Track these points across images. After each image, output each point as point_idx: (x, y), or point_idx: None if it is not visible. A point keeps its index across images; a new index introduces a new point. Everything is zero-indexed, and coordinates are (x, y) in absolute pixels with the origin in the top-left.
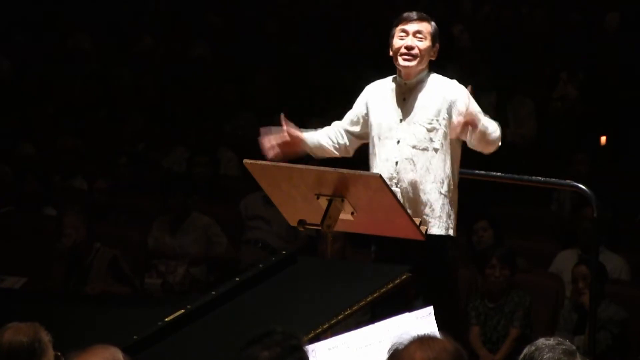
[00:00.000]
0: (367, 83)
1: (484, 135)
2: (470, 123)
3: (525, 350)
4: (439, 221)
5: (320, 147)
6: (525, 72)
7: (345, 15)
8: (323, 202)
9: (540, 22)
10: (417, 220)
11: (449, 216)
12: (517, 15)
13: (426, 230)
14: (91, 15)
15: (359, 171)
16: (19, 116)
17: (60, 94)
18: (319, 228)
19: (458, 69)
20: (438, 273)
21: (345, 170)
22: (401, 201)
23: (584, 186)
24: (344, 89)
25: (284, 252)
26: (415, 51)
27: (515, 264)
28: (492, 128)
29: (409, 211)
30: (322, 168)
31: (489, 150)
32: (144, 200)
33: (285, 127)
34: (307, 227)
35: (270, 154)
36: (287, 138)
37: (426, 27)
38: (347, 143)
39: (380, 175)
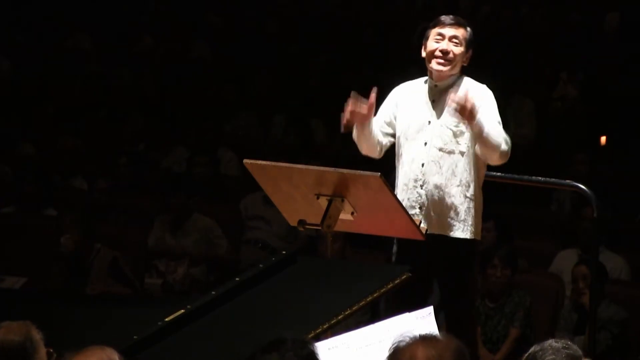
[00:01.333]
0: (367, 83)
1: (480, 135)
2: (464, 108)
3: (531, 349)
4: (463, 224)
5: (373, 138)
6: (525, 72)
7: (345, 15)
8: (323, 202)
9: (540, 22)
10: (417, 221)
11: (474, 220)
12: (517, 15)
13: (426, 231)
14: (91, 15)
15: (359, 171)
16: (19, 116)
17: (60, 94)
18: (319, 228)
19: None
20: (459, 276)
21: (345, 170)
22: (426, 203)
23: (584, 186)
24: (344, 89)
25: (284, 252)
26: (450, 56)
27: (517, 264)
28: (495, 135)
29: (433, 214)
30: (322, 168)
31: (491, 157)
32: (144, 200)
33: (373, 98)
34: (307, 227)
35: (346, 116)
36: (370, 108)
37: (462, 33)
38: (384, 143)
39: (381, 175)
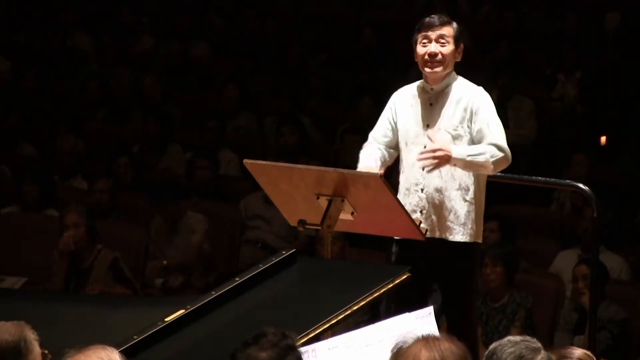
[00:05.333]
0: (367, 83)
1: (465, 166)
2: (439, 160)
3: (491, 346)
4: (463, 228)
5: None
6: (525, 72)
7: (345, 15)
8: (323, 202)
9: (540, 22)
10: (417, 221)
11: (474, 223)
12: (517, 15)
13: (426, 231)
14: (91, 15)
15: (359, 171)
16: (19, 116)
17: (60, 94)
18: (319, 228)
19: (458, 68)
20: (460, 279)
21: (345, 170)
22: (426, 207)
23: (584, 186)
24: (344, 89)
25: (284, 252)
26: (439, 57)
27: (512, 263)
28: (478, 156)
29: (434, 217)
30: (322, 168)
31: (486, 172)
32: (144, 200)
33: None
34: (307, 227)
35: None
36: None
37: (448, 30)
38: (388, 156)
39: (381, 175)
